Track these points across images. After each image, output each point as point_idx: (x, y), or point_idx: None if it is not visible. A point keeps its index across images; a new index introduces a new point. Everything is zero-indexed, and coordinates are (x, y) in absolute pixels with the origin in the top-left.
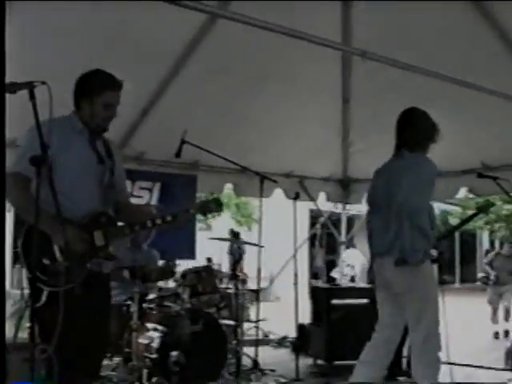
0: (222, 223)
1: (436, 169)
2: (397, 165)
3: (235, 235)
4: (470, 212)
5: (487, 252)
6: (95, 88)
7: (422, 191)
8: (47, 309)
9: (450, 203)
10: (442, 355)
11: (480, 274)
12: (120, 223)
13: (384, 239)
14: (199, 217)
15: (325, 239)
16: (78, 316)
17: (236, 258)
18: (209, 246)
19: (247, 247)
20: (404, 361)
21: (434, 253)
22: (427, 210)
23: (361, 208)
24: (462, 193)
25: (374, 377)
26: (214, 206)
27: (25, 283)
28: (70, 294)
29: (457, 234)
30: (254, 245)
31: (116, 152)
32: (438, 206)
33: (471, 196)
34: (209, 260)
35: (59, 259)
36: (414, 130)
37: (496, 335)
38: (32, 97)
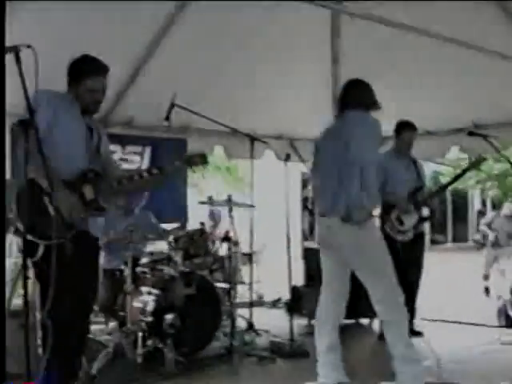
0: (214, 186)
1: (381, 126)
2: (341, 124)
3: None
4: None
5: (480, 212)
6: (80, 74)
7: (368, 148)
8: (43, 262)
9: (442, 163)
10: (435, 312)
11: (476, 236)
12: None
13: (330, 198)
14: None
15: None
16: (71, 266)
17: (216, 222)
18: (201, 210)
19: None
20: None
21: (425, 211)
22: (374, 167)
23: None
24: (454, 152)
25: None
26: (200, 160)
27: (15, 252)
28: (62, 247)
29: (448, 195)
30: (246, 206)
31: (101, 129)
32: (428, 167)
33: (462, 157)
34: (202, 224)
35: (52, 215)
36: (357, 92)
37: (487, 290)
38: (18, 61)
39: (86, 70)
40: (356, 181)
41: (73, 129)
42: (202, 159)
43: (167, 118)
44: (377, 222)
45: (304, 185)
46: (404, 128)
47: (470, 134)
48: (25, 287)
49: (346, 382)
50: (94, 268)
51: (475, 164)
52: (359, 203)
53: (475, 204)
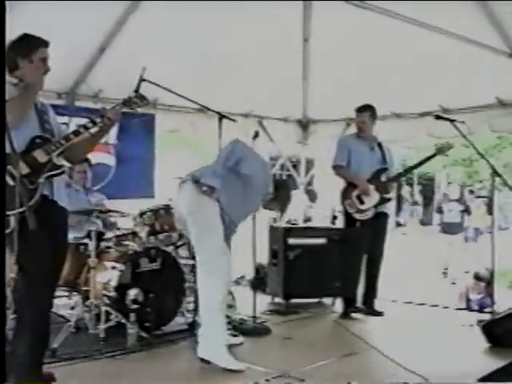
0: (183, 162)
1: None
2: None
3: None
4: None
5: (445, 195)
6: (32, 47)
7: None
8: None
9: (409, 148)
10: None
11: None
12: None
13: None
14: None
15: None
16: (38, 235)
17: None
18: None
19: None
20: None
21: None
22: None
23: (320, 149)
24: (421, 136)
25: None
26: (139, 100)
27: None
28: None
29: (415, 178)
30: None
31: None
32: (396, 151)
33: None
34: (170, 200)
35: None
36: None
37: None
38: None
39: (36, 42)
40: None
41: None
42: (140, 99)
43: (136, 92)
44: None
45: (272, 164)
46: (356, 111)
47: (438, 117)
48: (3, 279)
49: None
50: (62, 237)
51: (441, 150)
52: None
53: (441, 188)
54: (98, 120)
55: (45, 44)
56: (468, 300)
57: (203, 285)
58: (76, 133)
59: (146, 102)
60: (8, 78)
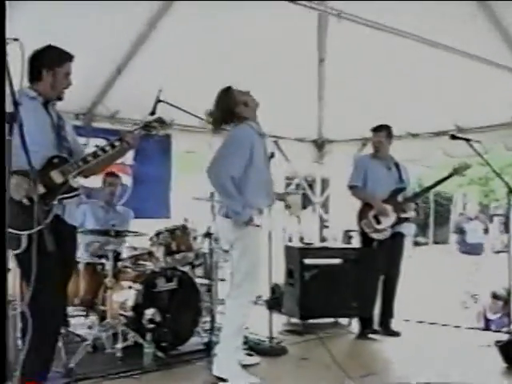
0: (199, 182)
1: (245, 131)
2: None
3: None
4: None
5: (461, 215)
6: (59, 60)
7: (222, 155)
8: (27, 253)
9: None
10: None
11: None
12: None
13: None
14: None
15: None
16: (48, 254)
17: None
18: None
19: None
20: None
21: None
22: (228, 172)
23: (335, 168)
24: (437, 155)
25: None
26: (158, 124)
27: None
28: (42, 236)
29: (432, 197)
30: None
31: (67, 120)
32: (412, 170)
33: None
34: (185, 220)
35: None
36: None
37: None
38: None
39: (63, 56)
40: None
41: (37, 122)
42: (160, 123)
43: (153, 114)
44: None
45: (288, 183)
46: (372, 131)
47: (453, 137)
48: (4, 278)
49: None
50: (70, 255)
51: (458, 170)
52: (228, 206)
53: (458, 206)
54: (116, 143)
55: (70, 58)
56: (486, 319)
57: (230, 305)
58: (94, 155)
59: (165, 127)
60: (25, 89)
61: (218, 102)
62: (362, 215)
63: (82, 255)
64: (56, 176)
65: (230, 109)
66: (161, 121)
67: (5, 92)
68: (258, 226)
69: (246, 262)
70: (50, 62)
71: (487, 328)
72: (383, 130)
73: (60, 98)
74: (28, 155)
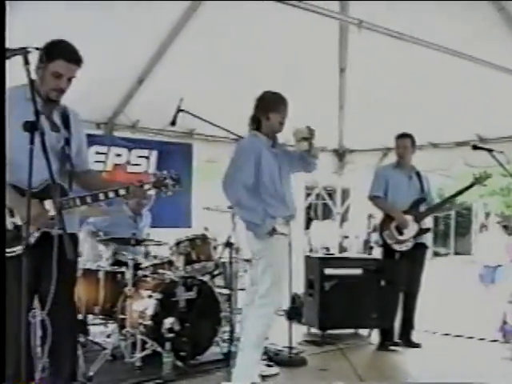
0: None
1: (250, 142)
2: None
3: None
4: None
5: (482, 226)
6: (49, 55)
7: (233, 169)
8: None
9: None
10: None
11: None
12: (71, 195)
13: None
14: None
15: (320, 210)
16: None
17: None
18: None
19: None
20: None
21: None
22: (241, 184)
23: (356, 178)
24: (458, 166)
25: None
26: (171, 182)
27: None
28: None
29: (453, 207)
30: None
31: (76, 123)
32: (433, 180)
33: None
34: (206, 229)
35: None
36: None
37: None
38: (26, 62)
39: (56, 53)
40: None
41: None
42: (173, 182)
43: (173, 123)
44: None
45: (308, 193)
46: (397, 138)
47: (475, 148)
48: (3, 280)
49: None
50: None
51: (479, 180)
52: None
53: (479, 217)
54: (121, 192)
55: (64, 57)
56: (506, 331)
57: (253, 315)
58: (95, 198)
59: (178, 187)
60: (23, 88)
61: (256, 101)
62: (383, 226)
63: (102, 264)
64: (50, 206)
65: (255, 113)
66: (175, 179)
67: (5, 92)
68: (283, 234)
69: (272, 273)
70: (42, 54)
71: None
72: (408, 137)
73: (49, 99)
74: (50, 169)
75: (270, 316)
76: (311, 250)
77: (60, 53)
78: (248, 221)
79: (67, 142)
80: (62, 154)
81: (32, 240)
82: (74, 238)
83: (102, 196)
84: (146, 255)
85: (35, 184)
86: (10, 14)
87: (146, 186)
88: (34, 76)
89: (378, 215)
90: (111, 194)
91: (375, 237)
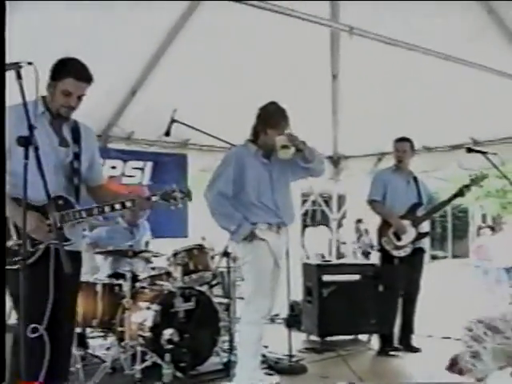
0: None
1: (236, 151)
2: None
3: None
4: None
5: (480, 228)
6: (59, 74)
7: (212, 176)
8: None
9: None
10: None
11: None
12: (77, 207)
13: None
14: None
15: (318, 216)
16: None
17: None
18: (203, 224)
19: None
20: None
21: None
22: (215, 190)
23: (351, 185)
24: (453, 169)
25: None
26: (179, 195)
27: None
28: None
29: (449, 210)
30: None
31: (87, 138)
32: (428, 183)
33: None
34: (203, 239)
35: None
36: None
37: None
38: (19, 77)
39: (65, 71)
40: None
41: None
42: (181, 194)
43: (167, 134)
44: None
45: (304, 200)
46: (396, 142)
47: (469, 150)
48: (3, 282)
49: None
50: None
51: (476, 181)
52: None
53: (476, 219)
54: (128, 204)
55: (74, 76)
56: None
57: (242, 323)
58: (101, 210)
59: (187, 199)
60: (37, 101)
61: (258, 112)
62: (381, 232)
63: (99, 276)
64: (54, 219)
65: (255, 124)
66: (184, 192)
67: (5, 93)
68: (262, 239)
69: (253, 279)
70: (52, 72)
71: None
72: (407, 141)
73: (59, 115)
74: (45, 184)
75: (259, 322)
76: (307, 257)
77: (70, 71)
78: (223, 227)
79: (76, 156)
80: (70, 168)
81: (38, 253)
82: (75, 254)
83: (107, 209)
84: (147, 262)
85: (39, 198)
86: (10, 14)
87: (154, 198)
88: (44, 92)
89: (367, 220)
90: (117, 206)
91: (367, 241)
